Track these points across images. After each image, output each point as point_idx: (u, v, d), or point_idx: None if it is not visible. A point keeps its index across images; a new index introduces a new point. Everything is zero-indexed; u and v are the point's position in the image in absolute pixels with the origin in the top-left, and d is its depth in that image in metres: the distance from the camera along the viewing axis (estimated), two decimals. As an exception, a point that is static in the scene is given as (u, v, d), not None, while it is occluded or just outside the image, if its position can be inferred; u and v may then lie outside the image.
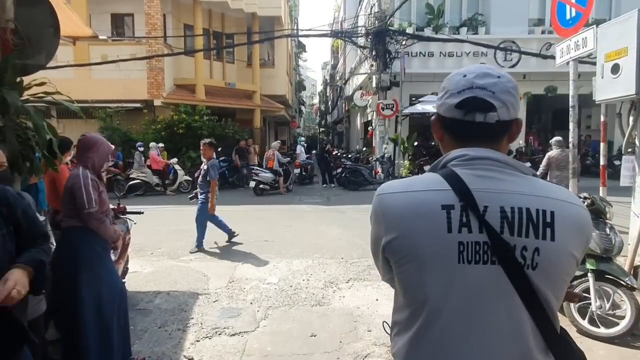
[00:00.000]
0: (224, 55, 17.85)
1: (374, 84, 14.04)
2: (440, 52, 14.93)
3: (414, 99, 14.79)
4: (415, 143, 14.87)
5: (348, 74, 21.87)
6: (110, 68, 12.99)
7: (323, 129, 52.63)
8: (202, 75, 15.56)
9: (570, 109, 4.88)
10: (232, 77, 17.57)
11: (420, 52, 14.91)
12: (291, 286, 4.52)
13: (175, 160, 12.60)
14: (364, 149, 16.92)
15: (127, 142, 13.60)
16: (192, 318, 3.73)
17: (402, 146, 13.81)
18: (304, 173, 14.79)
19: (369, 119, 19.25)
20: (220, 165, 13.57)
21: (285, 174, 12.93)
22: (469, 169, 0.92)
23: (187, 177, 12.70)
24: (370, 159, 15.04)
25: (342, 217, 8.43)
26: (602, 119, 4.71)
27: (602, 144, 4.74)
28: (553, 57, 13.98)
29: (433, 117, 1.05)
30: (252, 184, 12.06)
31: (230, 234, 6.37)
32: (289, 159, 14.35)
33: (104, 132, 13.55)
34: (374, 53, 13.78)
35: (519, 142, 15.90)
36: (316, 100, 67.80)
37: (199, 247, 5.97)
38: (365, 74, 15.15)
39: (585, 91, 15.10)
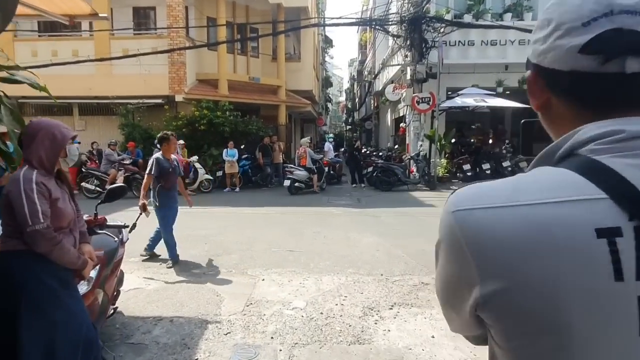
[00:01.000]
0: (248, 49, 17.15)
1: (408, 76, 12.97)
2: (482, 41, 13.66)
3: (450, 92, 13.62)
4: (453, 140, 13.70)
5: (379, 67, 20.77)
6: (131, 63, 12.50)
7: (350, 127, 51.63)
8: (225, 69, 14.90)
9: None
10: (256, 71, 16.86)
11: (459, 41, 13.70)
12: (322, 313, 3.63)
13: (195, 158, 11.97)
14: (396, 146, 15.86)
15: (148, 139, 13.07)
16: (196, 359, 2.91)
17: (438, 143, 12.68)
18: (332, 172, 13.90)
19: (401, 114, 18.11)
20: (243, 163, 12.94)
21: (319, 172, 12.27)
22: (631, 158, 0.53)
23: (209, 176, 12.06)
24: (403, 157, 13.96)
25: (376, 223, 7.47)
26: None
27: None
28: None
29: (528, 74, 0.66)
30: (287, 182, 11.57)
31: (174, 259, 5.04)
32: (322, 156, 13.51)
33: (125, 129, 13.10)
34: (408, 43, 12.70)
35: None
36: (343, 97, 66.78)
37: (174, 260, 5.00)
38: (398, 65, 14.10)
39: None
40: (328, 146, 14.29)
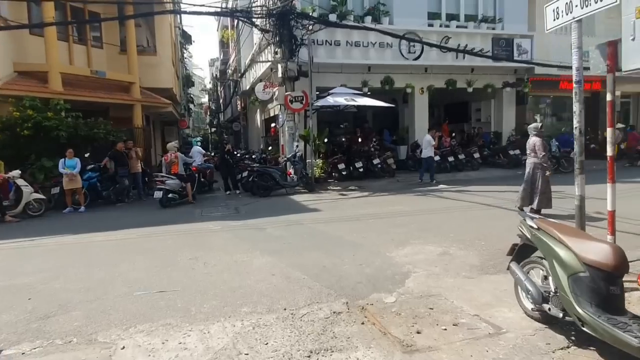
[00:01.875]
0: (89, 37, 14.28)
1: (279, 74, 12.34)
2: (347, 42, 13.87)
3: (318, 92, 13.49)
4: (325, 140, 13.61)
5: (245, 66, 19.75)
6: None
7: (215, 129, 49.15)
8: (55, 59, 11.99)
9: (575, 85, 3.79)
10: (100, 64, 14.14)
11: (326, 41, 13.64)
12: (217, 389, 2.59)
13: (17, 172, 9.20)
14: (269, 148, 15.14)
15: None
16: None
17: (313, 143, 12.40)
18: (202, 179, 12.42)
19: (272, 114, 17.50)
20: (89, 175, 10.54)
21: (192, 179, 10.82)
22: None
23: (39, 195, 9.42)
24: (279, 159, 13.32)
25: (264, 237, 6.57)
26: (608, 97, 3.70)
27: (609, 130, 3.76)
28: (454, 50, 14.13)
29: None
30: (158, 194, 9.88)
31: None
32: (193, 160, 11.92)
33: None
34: (277, 39, 12.06)
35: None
36: (205, 99, 63.34)
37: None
38: (268, 62, 13.36)
39: (478, 85, 15.51)
40: (197, 151, 12.75)
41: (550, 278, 3.18)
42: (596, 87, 17.95)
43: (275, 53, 12.44)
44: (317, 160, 12.88)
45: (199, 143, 13.60)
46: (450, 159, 14.54)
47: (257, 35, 16.91)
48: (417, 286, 4.28)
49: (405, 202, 9.35)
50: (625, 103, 19.92)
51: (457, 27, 15.27)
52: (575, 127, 3.77)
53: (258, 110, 19.72)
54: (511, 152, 14.94)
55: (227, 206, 9.97)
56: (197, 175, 11.72)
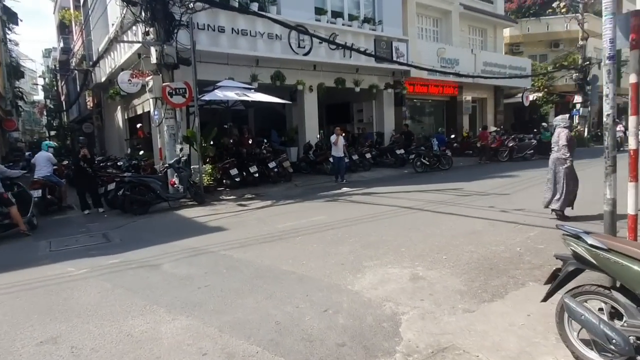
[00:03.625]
0: None
1: (153, 60, 9.90)
2: (233, 29, 12.13)
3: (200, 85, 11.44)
4: (211, 142, 11.62)
5: (99, 52, 16.03)
6: None
7: (56, 132, 40.76)
8: None
9: (608, 62, 3.03)
10: None
11: (208, 25, 11.67)
12: None
13: None
14: (141, 152, 12.33)
15: None
16: None
17: (199, 146, 10.33)
18: (49, 196, 9.20)
19: (139, 112, 14.53)
20: None
21: (22, 200, 7.47)
22: None
23: None
24: (157, 166, 10.81)
25: (163, 280, 4.58)
26: (632, 79, 3.04)
27: (632, 118, 3.11)
28: (343, 47, 13.60)
29: None
30: None
31: None
32: (20, 173, 8.46)
33: None
34: (149, 15, 9.63)
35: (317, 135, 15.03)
36: (40, 97, 52.25)
37: None
38: (137, 43, 10.69)
39: (365, 85, 15.45)
40: (43, 157, 9.33)
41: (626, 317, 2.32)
42: (452, 92, 19.86)
43: (146, 34, 9.95)
44: (205, 166, 10.82)
45: (51, 147, 10.04)
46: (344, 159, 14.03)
47: (115, 13, 13.77)
48: (419, 337, 3.10)
49: (322, 211, 8.19)
50: (473, 107, 22.54)
51: (343, 25, 14.91)
52: (607, 115, 3.05)
53: (119, 107, 16.28)
54: (397, 152, 15.22)
55: (89, 232, 7.32)
56: (41, 191, 8.55)
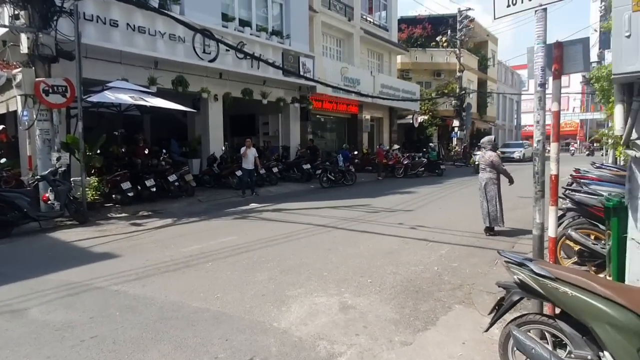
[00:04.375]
0: None
1: (23, 49, 8.18)
2: (128, 24, 10.81)
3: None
4: (98, 151, 10.05)
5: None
6: None
7: None
8: None
9: (539, 89, 3.13)
10: None
11: (98, 17, 10.20)
12: None
13: None
14: (2, 160, 10.03)
15: None
16: None
17: (82, 155, 8.80)
18: None
19: (3, 111, 11.99)
20: None
21: None
22: None
23: None
24: (25, 178, 8.90)
25: (30, 332, 3.53)
26: (554, 107, 3.18)
27: (553, 145, 3.24)
28: (250, 56, 13.13)
29: None
30: None
31: None
32: None
33: None
34: (19, -5, 7.97)
35: (222, 147, 14.19)
36: None
37: None
38: (3, 27, 8.72)
39: (272, 98, 15.16)
40: None
41: (607, 353, 2.32)
42: (354, 110, 20.78)
43: (15, 17, 8.20)
44: (90, 179, 9.27)
45: None
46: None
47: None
48: (363, 381, 2.78)
49: (232, 230, 7.53)
50: (372, 126, 23.84)
51: (251, 34, 14.48)
52: (538, 140, 3.14)
53: (-30, 103, 13.25)
54: (304, 167, 15.16)
55: None
56: None
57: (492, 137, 7.36)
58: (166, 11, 10.88)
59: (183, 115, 15.30)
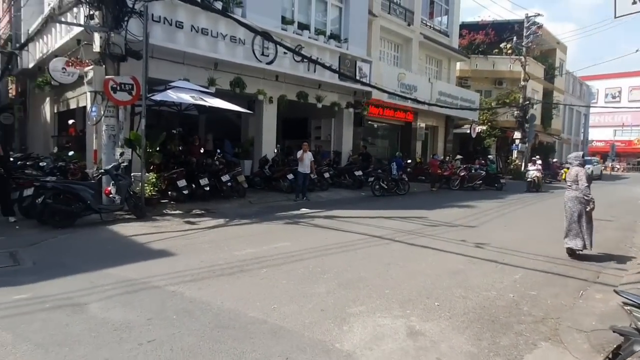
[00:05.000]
0: None
1: (96, 48, 8.54)
2: (192, 26, 11.06)
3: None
4: (157, 149, 10.31)
5: (29, 33, 13.92)
6: None
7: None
8: None
9: None
10: None
11: (165, 19, 10.50)
12: None
13: None
14: (70, 153, 10.61)
15: None
16: None
17: (143, 152, 9.01)
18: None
19: (73, 106, 12.74)
20: None
21: None
22: None
23: None
24: (90, 171, 9.29)
25: (87, 330, 3.45)
26: None
27: None
28: (308, 59, 13.02)
29: None
30: None
31: None
32: None
33: None
34: (95, -4, 8.33)
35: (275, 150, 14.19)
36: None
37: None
38: (78, 26, 9.21)
39: (327, 102, 14.98)
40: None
41: None
42: (408, 117, 20.11)
43: (90, 17, 8.59)
44: (149, 175, 9.50)
45: None
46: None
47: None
48: None
49: (284, 236, 7.33)
50: (426, 134, 22.99)
51: (309, 38, 14.40)
52: None
53: (48, 98, 14.22)
54: (356, 173, 14.79)
55: (-8, 250, 5.82)
56: None
57: (580, 152, 6.66)
58: (229, 13, 11.01)
59: (237, 116, 15.50)
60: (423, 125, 21.36)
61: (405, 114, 19.70)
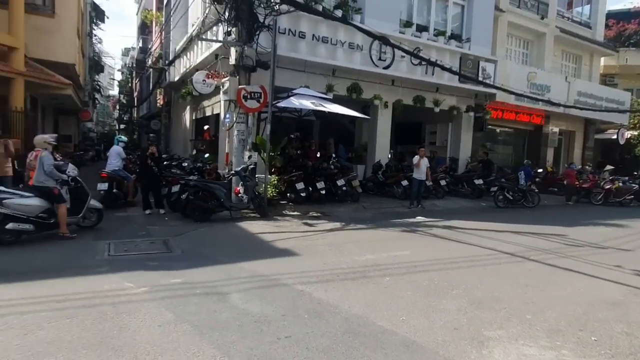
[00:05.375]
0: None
1: (231, 61, 9.44)
2: (314, 35, 11.52)
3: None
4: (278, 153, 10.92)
5: (176, 51, 16.19)
6: None
7: (125, 126, 43.03)
8: None
9: None
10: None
11: (289, 30, 11.14)
12: None
13: None
14: (206, 155, 11.95)
15: None
16: None
17: (266, 154, 9.62)
18: (115, 190, 8.94)
19: (208, 113, 14.33)
20: None
21: (77, 197, 6.75)
22: None
23: None
24: (223, 172, 10.30)
25: (232, 318, 3.73)
26: None
27: None
28: (426, 62, 12.53)
29: None
30: None
31: None
32: (75, 173, 7.40)
33: None
34: (233, 14, 9.21)
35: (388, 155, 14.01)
36: (114, 91, 55.82)
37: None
38: (218, 42, 10.33)
39: (445, 106, 14.21)
40: (115, 152, 9.19)
41: None
42: (537, 121, 18.02)
43: (228, 33, 9.54)
44: (271, 177, 10.15)
45: (123, 142, 9.87)
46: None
47: (196, 13, 13.74)
48: None
49: (402, 244, 7.10)
50: (559, 140, 20.37)
51: (428, 39, 13.90)
52: None
53: (188, 107, 16.27)
54: (476, 182, 13.74)
55: (150, 237, 6.77)
56: (108, 184, 8.14)
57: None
58: (349, 21, 11.21)
59: (349, 121, 15.69)
60: (556, 129, 18.99)
61: (534, 117, 17.76)
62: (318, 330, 3.51)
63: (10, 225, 5.71)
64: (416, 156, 11.12)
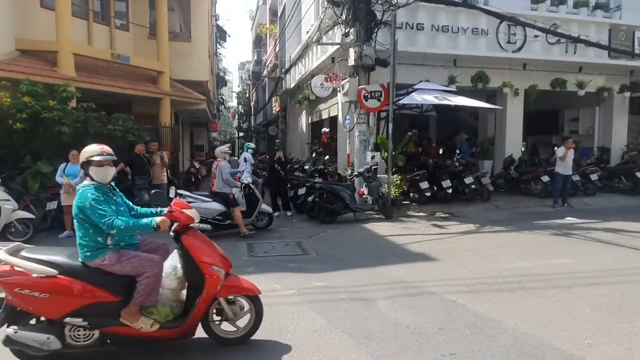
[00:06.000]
0: (112, 15, 11.77)
1: (350, 62, 9.39)
2: (432, 25, 10.89)
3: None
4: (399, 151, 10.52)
5: (291, 60, 16.96)
6: None
7: (243, 133, 46.93)
8: (68, 37, 9.47)
9: None
10: (125, 49, 11.61)
11: (406, 23, 10.70)
12: None
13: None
14: (326, 157, 12.19)
15: None
16: None
17: (387, 154, 9.31)
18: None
19: (323, 116, 14.61)
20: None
21: (249, 202, 7.61)
22: None
23: (25, 214, 6.72)
24: (345, 173, 10.35)
25: (386, 328, 3.52)
26: None
27: None
28: (566, 38, 10.52)
29: None
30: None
31: None
32: (241, 175, 8.23)
33: None
34: (351, 15, 9.15)
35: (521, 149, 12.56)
36: (233, 103, 61.46)
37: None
38: (337, 45, 10.43)
39: (590, 88, 12.12)
40: (245, 159, 9.92)
41: None
42: None
43: (345, 35, 9.51)
44: (394, 177, 9.84)
45: (251, 149, 10.66)
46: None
47: (309, 21, 14.15)
48: None
49: (558, 250, 6.14)
50: None
51: (567, 13, 12.08)
52: None
53: (304, 111, 16.86)
54: (638, 175, 11.44)
55: (284, 239, 7.02)
56: (244, 191, 8.71)
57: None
58: (472, 4, 10.31)
59: (469, 113, 14.51)
60: None
61: None
62: (485, 348, 3.10)
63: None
64: (561, 147, 9.68)
